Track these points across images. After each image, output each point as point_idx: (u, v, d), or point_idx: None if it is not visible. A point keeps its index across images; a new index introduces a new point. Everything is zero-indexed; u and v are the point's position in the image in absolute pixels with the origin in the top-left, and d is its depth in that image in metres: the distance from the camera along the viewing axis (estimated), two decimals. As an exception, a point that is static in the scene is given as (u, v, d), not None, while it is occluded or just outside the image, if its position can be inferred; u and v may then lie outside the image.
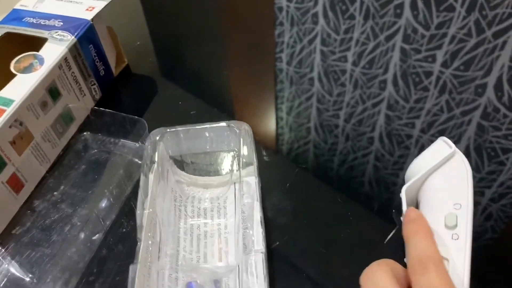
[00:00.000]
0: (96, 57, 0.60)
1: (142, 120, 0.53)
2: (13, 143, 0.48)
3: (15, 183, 0.50)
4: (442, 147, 0.42)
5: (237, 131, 0.48)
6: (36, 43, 0.55)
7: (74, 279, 0.45)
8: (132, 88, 0.66)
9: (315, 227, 0.48)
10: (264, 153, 0.55)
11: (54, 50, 0.54)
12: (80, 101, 0.58)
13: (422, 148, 0.50)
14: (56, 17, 0.58)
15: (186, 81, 0.65)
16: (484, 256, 0.46)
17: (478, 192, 0.50)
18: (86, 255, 0.47)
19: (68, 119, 0.56)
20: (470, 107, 0.57)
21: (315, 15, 0.68)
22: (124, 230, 0.49)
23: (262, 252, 0.39)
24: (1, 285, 0.45)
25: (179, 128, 0.49)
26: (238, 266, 0.41)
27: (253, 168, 0.46)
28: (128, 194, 0.51)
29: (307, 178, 0.53)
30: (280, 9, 0.71)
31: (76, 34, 0.56)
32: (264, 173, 0.48)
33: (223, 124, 0.49)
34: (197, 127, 0.50)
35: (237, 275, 0.40)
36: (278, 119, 0.59)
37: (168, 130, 0.49)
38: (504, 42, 0.59)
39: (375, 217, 0.49)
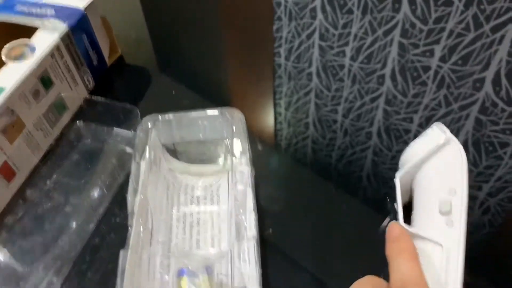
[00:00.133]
0: (89, 47, 0.60)
1: (135, 108, 0.52)
2: (4, 131, 0.48)
3: (7, 172, 0.49)
4: (437, 133, 0.42)
5: (230, 118, 0.48)
6: (28, 32, 0.54)
7: (66, 268, 0.45)
8: (125, 78, 0.65)
9: (308, 216, 0.48)
10: (260, 145, 0.54)
11: (46, 39, 0.54)
12: (73, 90, 0.58)
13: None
14: (48, 6, 0.57)
15: (180, 74, 0.65)
16: (481, 249, 0.46)
17: (475, 186, 0.50)
18: (78, 243, 0.46)
19: (61, 108, 0.56)
20: (468, 102, 0.57)
21: (313, 9, 0.68)
22: (116, 219, 0.48)
23: (254, 238, 0.39)
24: (-7, 273, 0.45)
25: (171, 115, 0.49)
26: (231, 251, 0.40)
27: (246, 157, 0.45)
28: (121, 183, 0.51)
29: (302, 169, 0.53)
30: (279, 4, 0.70)
31: (68, 22, 0.56)
32: (259, 164, 0.48)
33: (215, 111, 0.49)
34: (189, 114, 0.49)
35: (229, 261, 0.40)
36: (276, 114, 0.59)
37: (160, 117, 0.49)
38: (502, 37, 0.59)
39: (370, 208, 0.49)
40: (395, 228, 0.38)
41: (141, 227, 0.41)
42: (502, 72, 0.58)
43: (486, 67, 0.59)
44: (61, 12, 0.56)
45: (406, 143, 0.54)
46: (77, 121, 0.57)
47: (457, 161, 0.39)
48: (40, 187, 0.51)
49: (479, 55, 0.60)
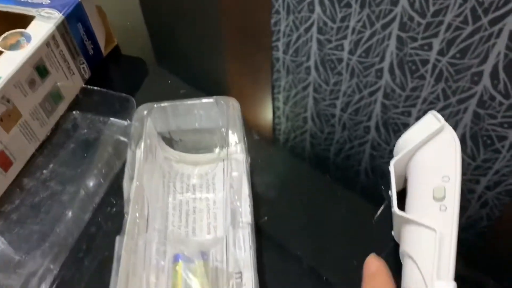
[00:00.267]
0: (85, 36, 0.59)
1: (131, 98, 0.52)
2: (0, 120, 0.48)
3: (3, 161, 0.49)
4: (432, 120, 0.42)
5: (225, 106, 0.48)
6: (23, 21, 0.54)
7: (63, 256, 0.45)
8: (121, 68, 0.65)
9: (304, 206, 0.48)
10: (257, 137, 0.54)
11: (41, 28, 0.53)
12: (69, 80, 0.58)
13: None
14: (44, -5, 0.57)
15: (177, 65, 0.65)
16: (479, 243, 0.46)
17: (473, 180, 0.50)
18: (74, 232, 0.46)
19: (57, 97, 0.56)
20: (466, 95, 0.57)
21: (311, 3, 0.68)
22: (113, 207, 0.48)
23: (249, 224, 0.39)
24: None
25: (167, 104, 0.49)
26: (226, 238, 0.40)
27: (241, 145, 0.45)
28: (117, 172, 0.51)
29: (299, 163, 0.53)
30: (277, -2, 0.70)
31: (64, 12, 0.55)
32: (255, 153, 0.48)
33: (210, 99, 0.49)
34: (184, 102, 0.49)
35: (224, 247, 0.40)
36: (275, 109, 0.59)
37: (156, 105, 0.49)
38: (500, 30, 0.59)
39: (366, 198, 0.49)
40: (372, 264, 0.37)
41: (137, 213, 0.41)
42: (500, 65, 0.58)
43: (484, 60, 0.59)
44: (56, 1, 0.56)
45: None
46: (74, 111, 0.57)
47: (451, 148, 0.40)
48: (36, 176, 0.51)
49: (477, 49, 0.60)
